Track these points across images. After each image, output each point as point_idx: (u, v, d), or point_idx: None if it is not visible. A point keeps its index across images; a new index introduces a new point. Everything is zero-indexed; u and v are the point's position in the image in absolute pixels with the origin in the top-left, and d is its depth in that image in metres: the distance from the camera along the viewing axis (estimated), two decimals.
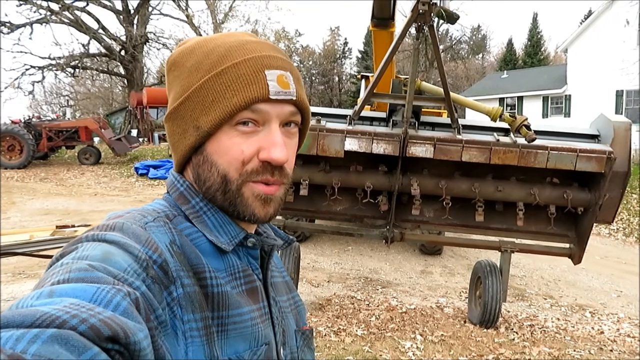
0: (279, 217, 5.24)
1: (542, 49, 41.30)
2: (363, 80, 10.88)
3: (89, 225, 5.53)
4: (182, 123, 0.77)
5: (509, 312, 5.94)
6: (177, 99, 0.78)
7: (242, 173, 0.75)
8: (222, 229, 0.77)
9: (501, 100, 27.89)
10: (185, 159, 0.79)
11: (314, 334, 4.69)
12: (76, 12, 24.54)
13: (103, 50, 26.66)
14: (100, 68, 28.78)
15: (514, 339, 4.97)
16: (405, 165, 4.53)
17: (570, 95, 24.70)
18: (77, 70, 27.11)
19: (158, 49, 29.65)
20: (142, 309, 0.55)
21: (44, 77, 25.97)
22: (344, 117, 4.61)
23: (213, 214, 0.78)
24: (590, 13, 32.72)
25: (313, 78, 46.79)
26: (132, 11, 27.02)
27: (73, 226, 5.38)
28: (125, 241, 0.63)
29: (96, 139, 20.09)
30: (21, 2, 22.96)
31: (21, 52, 25.33)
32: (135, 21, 27.19)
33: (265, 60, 0.75)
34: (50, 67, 25.26)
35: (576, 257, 4.75)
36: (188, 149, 0.77)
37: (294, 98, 0.76)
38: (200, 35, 28.14)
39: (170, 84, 0.81)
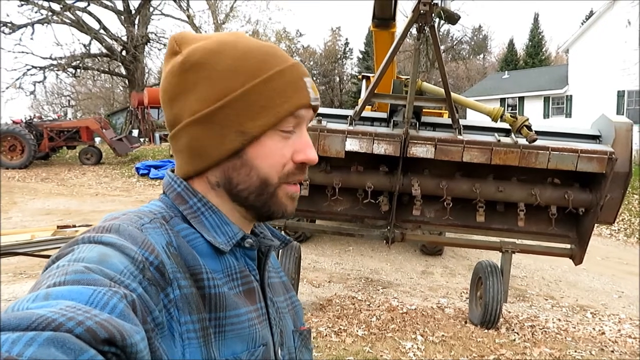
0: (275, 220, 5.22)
1: (544, 50, 41.25)
2: (364, 81, 10.89)
3: (90, 225, 5.54)
4: (221, 128, 0.75)
5: (509, 312, 5.93)
6: (211, 102, 0.74)
7: (281, 176, 0.78)
8: (220, 229, 0.77)
9: (502, 100, 27.89)
10: (217, 163, 0.77)
11: (315, 334, 4.70)
12: (77, 12, 24.60)
13: (104, 51, 26.71)
14: (102, 68, 28.84)
15: (514, 340, 4.97)
16: (406, 165, 4.52)
17: (571, 96, 24.70)
18: (78, 70, 27.16)
19: (159, 49, 29.68)
20: (138, 311, 0.55)
21: (45, 77, 26.09)
22: (344, 117, 4.60)
23: (211, 214, 0.78)
24: (591, 13, 32.68)
25: (314, 78, 46.81)
26: (133, 11, 27.07)
27: (74, 226, 5.39)
28: (121, 243, 0.63)
29: (97, 139, 20.10)
30: (23, 3, 23.01)
31: (23, 52, 25.56)
32: (136, 21, 27.24)
33: (301, 68, 0.79)
34: (52, 67, 25.32)
35: (577, 257, 4.74)
36: (227, 154, 0.75)
37: (319, 103, 0.82)
38: None
39: (192, 84, 0.75)
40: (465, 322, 5.43)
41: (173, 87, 0.77)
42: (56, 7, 23.83)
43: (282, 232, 5.34)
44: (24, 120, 17.73)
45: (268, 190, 0.77)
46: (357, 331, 4.95)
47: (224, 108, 0.74)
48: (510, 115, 4.23)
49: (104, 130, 17.87)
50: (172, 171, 0.83)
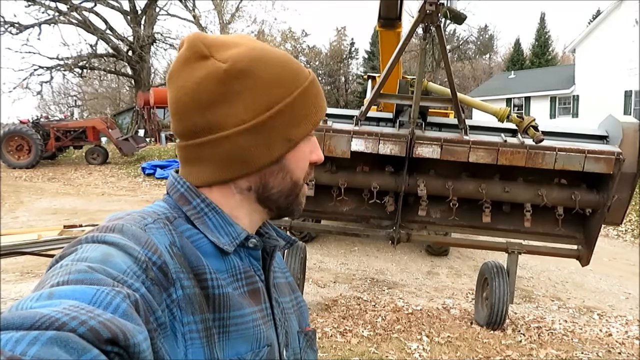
0: (285, 218, 5.23)
1: (550, 49, 41.09)
2: (370, 81, 10.86)
3: (96, 225, 5.55)
4: (270, 136, 0.76)
5: (516, 313, 5.91)
6: (260, 111, 0.75)
7: (305, 177, 0.85)
8: (224, 229, 0.77)
9: (508, 100, 27.82)
10: (260, 170, 0.78)
11: (320, 334, 4.70)
12: (84, 12, 24.70)
13: (110, 51, 26.82)
14: (108, 68, 28.95)
15: (521, 341, 4.94)
16: (412, 165, 4.51)
17: (578, 96, 24.60)
18: (84, 70, 27.26)
19: (165, 50, 29.83)
20: (141, 310, 0.55)
21: (52, 78, 26.17)
22: (350, 117, 4.60)
23: (214, 215, 0.77)
24: (598, 13, 32.52)
25: (319, 78, 46.57)
26: (139, 12, 27.15)
27: (80, 226, 5.40)
28: (124, 243, 0.63)
29: (104, 139, 20.21)
30: (30, 3, 23.13)
31: (30, 52, 25.46)
32: (142, 22, 27.32)
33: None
34: (59, 68, 25.43)
35: (584, 258, 4.72)
36: (271, 160, 0.78)
37: None
38: None
39: (236, 92, 0.74)
40: (471, 323, 5.42)
41: (210, 93, 0.74)
42: (63, 7, 23.95)
43: (288, 233, 5.32)
44: (31, 120, 17.83)
45: (296, 191, 0.83)
46: (363, 332, 4.94)
47: (274, 117, 0.76)
48: (517, 116, 4.21)
49: (110, 130, 17.94)
50: (176, 172, 0.83)
